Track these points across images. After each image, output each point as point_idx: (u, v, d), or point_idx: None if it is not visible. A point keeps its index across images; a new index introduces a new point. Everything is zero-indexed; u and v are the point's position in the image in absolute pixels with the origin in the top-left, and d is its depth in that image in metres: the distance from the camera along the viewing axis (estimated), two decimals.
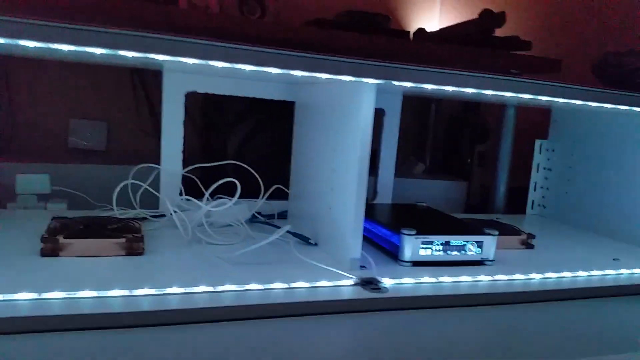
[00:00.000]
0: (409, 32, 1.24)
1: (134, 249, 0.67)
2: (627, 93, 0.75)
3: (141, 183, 0.84)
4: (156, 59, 0.55)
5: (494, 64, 1.15)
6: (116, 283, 0.56)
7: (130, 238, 0.67)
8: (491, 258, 0.74)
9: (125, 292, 0.55)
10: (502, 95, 0.70)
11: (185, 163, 0.93)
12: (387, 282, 0.64)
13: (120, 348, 0.47)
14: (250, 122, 1.14)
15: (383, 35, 1.12)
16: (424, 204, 0.95)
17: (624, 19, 1.24)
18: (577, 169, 1.08)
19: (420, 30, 1.30)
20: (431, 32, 1.32)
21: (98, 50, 0.49)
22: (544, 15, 1.47)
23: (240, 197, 0.80)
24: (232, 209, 0.80)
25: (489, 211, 1.25)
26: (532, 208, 1.17)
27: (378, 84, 0.63)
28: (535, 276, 0.71)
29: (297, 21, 1.22)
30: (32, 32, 0.46)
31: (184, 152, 0.93)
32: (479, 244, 0.74)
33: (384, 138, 1.07)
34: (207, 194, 0.81)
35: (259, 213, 0.89)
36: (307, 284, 0.61)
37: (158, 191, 0.89)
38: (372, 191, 1.08)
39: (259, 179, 0.86)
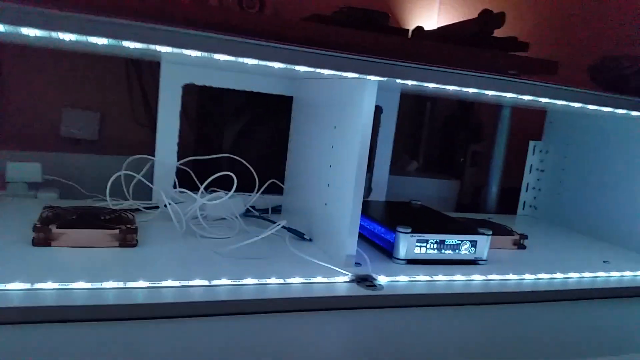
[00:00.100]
0: (407, 30, 1.24)
1: (127, 240, 0.67)
2: (626, 98, 0.75)
3: (135, 174, 0.83)
4: (157, 51, 0.54)
5: (491, 64, 1.15)
6: (110, 275, 0.55)
7: (124, 229, 0.67)
8: (484, 258, 0.75)
9: (120, 284, 0.54)
10: (503, 96, 0.70)
11: (179, 155, 0.93)
12: (382, 279, 0.64)
13: (115, 340, 0.47)
14: (246, 116, 1.14)
15: (381, 32, 1.11)
16: (419, 202, 0.95)
17: (622, 22, 1.25)
18: (570, 171, 1.09)
19: (419, 29, 1.30)
20: (429, 31, 1.31)
21: (101, 41, 0.49)
22: (542, 17, 1.48)
23: (235, 191, 0.79)
24: (227, 202, 0.79)
25: (480, 211, 1.26)
26: (523, 209, 1.18)
27: (380, 81, 0.63)
28: (528, 277, 0.72)
29: (295, 16, 1.21)
30: (34, 20, 0.45)
31: (179, 144, 0.93)
32: (473, 244, 0.74)
33: (381, 135, 1.07)
34: (202, 188, 0.80)
35: (252, 207, 0.88)
36: (302, 280, 0.61)
37: (151, 182, 0.88)
38: (367, 188, 1.08)
39: (254, 173, 0.86)
